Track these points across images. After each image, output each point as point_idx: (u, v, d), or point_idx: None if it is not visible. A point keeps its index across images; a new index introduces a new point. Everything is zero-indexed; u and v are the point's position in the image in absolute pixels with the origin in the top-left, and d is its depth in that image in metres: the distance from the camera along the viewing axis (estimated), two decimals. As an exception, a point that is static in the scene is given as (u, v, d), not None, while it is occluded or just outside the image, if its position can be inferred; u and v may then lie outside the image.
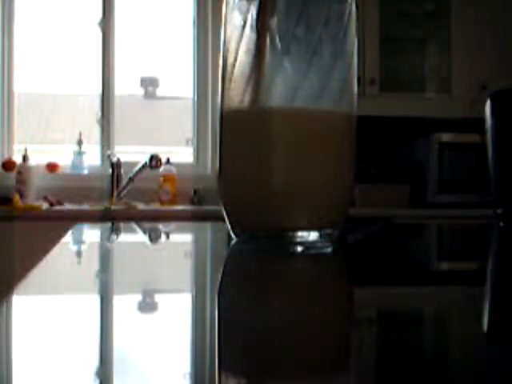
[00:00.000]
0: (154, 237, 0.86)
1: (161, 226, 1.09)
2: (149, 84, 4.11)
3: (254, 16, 0.58)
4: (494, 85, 2.63)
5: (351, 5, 0.60)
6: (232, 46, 0.59)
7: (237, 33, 0.59)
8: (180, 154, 3.15)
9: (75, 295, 0.38)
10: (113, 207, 2.62)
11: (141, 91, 4.10)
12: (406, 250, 0.73)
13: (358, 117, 0.62)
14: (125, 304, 0.36)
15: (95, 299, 0.37)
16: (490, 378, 0.23)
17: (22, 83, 3.04)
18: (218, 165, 0.62)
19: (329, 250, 0.60)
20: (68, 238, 0.77)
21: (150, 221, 2.21)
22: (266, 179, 0.58)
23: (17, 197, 2.57)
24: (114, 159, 2.85)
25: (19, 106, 3.04)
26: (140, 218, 2.45)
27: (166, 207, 2.70)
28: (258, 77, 0.57)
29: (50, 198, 2.69)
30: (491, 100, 1.04)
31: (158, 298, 0.39)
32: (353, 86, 0.61)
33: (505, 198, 1.03)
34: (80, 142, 2.96)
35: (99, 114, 3.04)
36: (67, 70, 3.32)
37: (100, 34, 3.04)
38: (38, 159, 2.88)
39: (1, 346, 0.27)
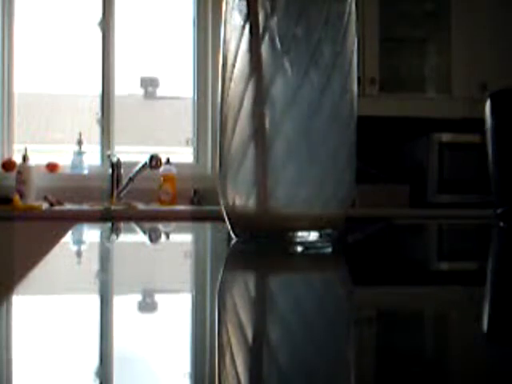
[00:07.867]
0: (153, 237, 0.86)
1: (161, 226, 1.09)
2: (149, 84, 4.11)
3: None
4: (494, 85, 2.63)
5: (351, 5, 0.60)
6: (232, 46, 0.59)
7: (237, 33, 0.59)
8: (180, 153, 3.15)
9: (75, 295, 0.38)
10: (113, 207, 2.62)
11: (141, 91, 4.09)
12: (406, 250, 0.73)
13: (358, 117, 0.62)
14: (125, 304, 0.36)
15: (95, 299, 0.37)
16: (489, 377, 0.23)
17: (22, 83, 3.04)
18: (218, 165, 0.62)
19: (329, 249, 0.60)
20: (68, 237, 0.77)
21: (150, 221, 2.21)
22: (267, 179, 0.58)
23: (17, 197, 2.57)
24: (114, 159, 2.85)
25: (19, 106, 3.04)
26: (140, 218, 2.45)
27: (166, 207, 2.70)
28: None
29: (50, 197, 2.69)
30: (491, 100, 1.04)
31: (158, 297, 0.39)
32: (353, 86, 0.61)
33: (505, 198, 1.02)
34: (80, 142, 2.96)
35: (99, 114, 3.04)
36: (67, 70, 3.31)
37: (100, 34, 3.04)
38: (38, 159, 2.87)
39: (1, 345, 0.27)
